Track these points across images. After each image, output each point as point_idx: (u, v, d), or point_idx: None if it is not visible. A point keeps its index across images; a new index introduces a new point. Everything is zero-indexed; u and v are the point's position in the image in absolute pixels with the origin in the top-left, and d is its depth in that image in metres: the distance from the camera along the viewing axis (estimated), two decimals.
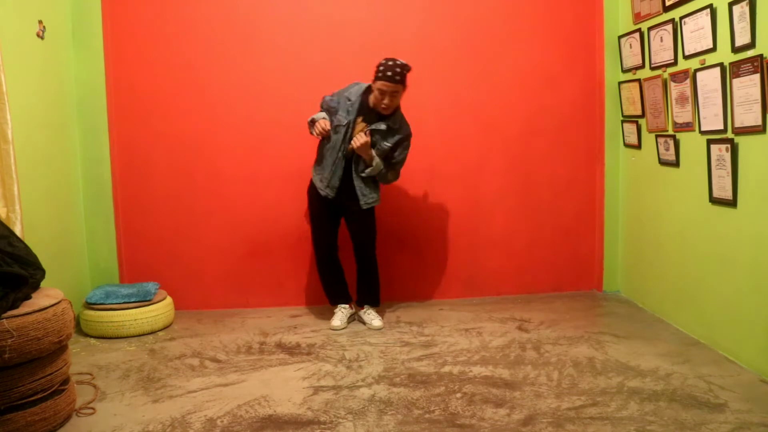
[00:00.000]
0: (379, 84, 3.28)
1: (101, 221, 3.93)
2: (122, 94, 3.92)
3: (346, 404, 2.58)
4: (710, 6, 3.00)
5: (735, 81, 2.83)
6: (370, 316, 3.65)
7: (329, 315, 3.74)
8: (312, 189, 3.62)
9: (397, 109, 3.43)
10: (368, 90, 3.43)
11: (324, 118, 3.45)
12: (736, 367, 2.87)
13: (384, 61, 3.30)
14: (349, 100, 3.42)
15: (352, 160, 3.46)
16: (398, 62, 3.28)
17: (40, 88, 3.38)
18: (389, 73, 3.24)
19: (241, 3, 3.93)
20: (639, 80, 3.74)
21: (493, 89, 4.11)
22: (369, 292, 3.72)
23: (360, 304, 3.76)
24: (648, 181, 3.80)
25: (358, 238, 3.64)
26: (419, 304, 4.08)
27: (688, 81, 3.23)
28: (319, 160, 3.54)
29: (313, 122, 3.46)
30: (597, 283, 4.30)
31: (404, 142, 3.49)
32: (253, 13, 3.93)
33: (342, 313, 3.68)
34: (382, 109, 3.35)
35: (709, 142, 3.08)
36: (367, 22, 3.95)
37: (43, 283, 2.59)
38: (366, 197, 3.49)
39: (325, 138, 3.46)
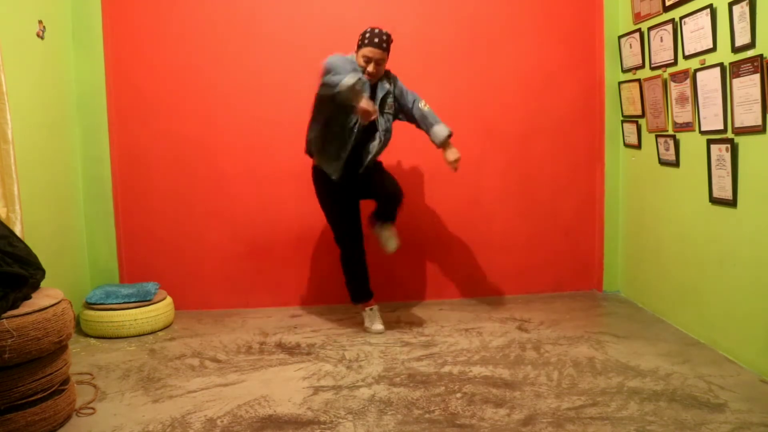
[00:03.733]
0: (366, 50, 3.24)
1: (101, 221, 3.94)
2: (122, 93, 3.92)
3: (346, 404, 2.58)
4: (710, 6, 2.99)
5: (735, 81, 2.83)
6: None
7: (329, 315, 3.73)
8: (319, 180, 3.43)
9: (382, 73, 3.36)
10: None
11: (365, 84, 3.15)
12: (736, 367, 2.87)
13: (369, 29, 3.29)
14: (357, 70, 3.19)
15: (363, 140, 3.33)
16: (383, 30, 3.28)
17: (39, 88, 3.38)
18: (376, 40, 3.23)
19: (241, 1, 3.93)
20: (639, 80, 3.74)
21: (493, 89, 4.11)
22: (390, 210, 3.42)
23: (379, 219, 3.46)
24: (648, 181, 3.80)
25: (383, 192, 3.39)
26: (419, 304, 4.08)
27: (688, 81, 3.23)
28: (330, 139, 3.28)
29: (352, 89, 3.01)
30: (597, 283, 4.30)
31: (403, 88, 3.42)
32: (254, 12, 3.94)
33: (376, 314, 3.56)
34: (366, 76, 3.26)
35: (709, 142, 3.08)
36: (367, 22, 3.94)
37: (43, 283, 2.59)
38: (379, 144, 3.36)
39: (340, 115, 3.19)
